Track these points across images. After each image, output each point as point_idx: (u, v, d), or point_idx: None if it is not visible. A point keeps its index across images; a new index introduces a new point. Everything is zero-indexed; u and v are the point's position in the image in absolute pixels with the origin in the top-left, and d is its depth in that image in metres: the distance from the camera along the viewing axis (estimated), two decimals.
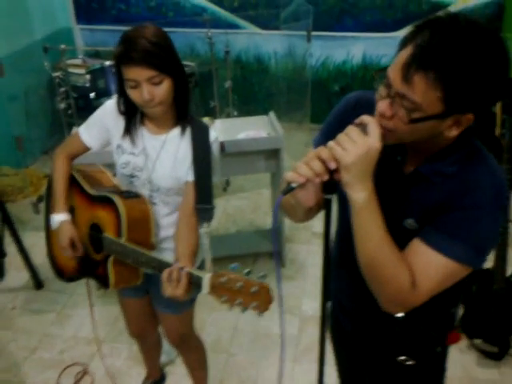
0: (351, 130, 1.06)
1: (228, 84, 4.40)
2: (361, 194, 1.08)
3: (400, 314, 1.25)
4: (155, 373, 2.52)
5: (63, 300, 3.15)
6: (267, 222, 3.81)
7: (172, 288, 1.52)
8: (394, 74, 1.02)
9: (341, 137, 1.06)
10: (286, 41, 5.06)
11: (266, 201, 4.02)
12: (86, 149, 1.87)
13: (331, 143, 1.07)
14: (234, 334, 2.88)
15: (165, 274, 1.53)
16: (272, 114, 3.29)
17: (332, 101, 5.25)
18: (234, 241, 3.61)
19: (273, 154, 3.10)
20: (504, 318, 2.59)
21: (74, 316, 3.02)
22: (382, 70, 1.07)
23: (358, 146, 1.04)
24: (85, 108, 4.12)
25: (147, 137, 1.73)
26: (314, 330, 2.86)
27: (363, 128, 1.06)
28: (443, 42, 0.96)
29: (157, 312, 2.05)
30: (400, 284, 1.11)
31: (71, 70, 4.26)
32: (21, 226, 3.58)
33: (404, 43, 1.02)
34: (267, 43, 5.15)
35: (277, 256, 1.25)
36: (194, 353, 2.23)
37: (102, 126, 1.80)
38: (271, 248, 3.40)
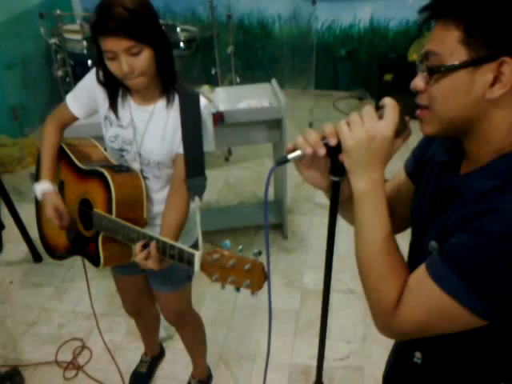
0: (366, 111, 0.94)
1: (230, 49, 4.26)
2: (360, 183, 0.97)
3: (418, 358, 1.13)
4: (154, 348, 2.49)
5: (62, 273, 3.12)
6: (270, 193, 3.74)
7: (143, 258, 1.49)
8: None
9: (353, 115, 0.95)
10: (291, 4, 4.89)
11: (268, 170, 3.93)
12: (74, 118, 1.79)
13: (343, 120, 0.96)
14: (234, 308, 2.84)
15: (139, 244, 1.49)
16: (274, 82, 3.17)
17: (338, 66, 5.10)
18: (235, 213, 3.54)
19: (275, 124, 2.99)
20: None
21: (73, 290, 3.00)
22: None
23: (364, 129, 0.93)
24: (82, 76, 3.99)
25: (135, 108, 1.65)
26: (315, 304, 2.82)
27: (381, 112, 0.95)
28: None
29: (153, 289, 1.99)
30: (384, 297, 0.96)
31: (68, 36, 4.15)
32: (19, 197, 3.54)
33: None
34: (271, 6, 4.97)
35: (266, 231, 1.14)
36: (191, 330, 2.19)
37: (88, 94, 1.70)
38: (274, 220, 3.33)
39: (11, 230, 3.15)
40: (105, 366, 2.52)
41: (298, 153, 0.99)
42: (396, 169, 1.23)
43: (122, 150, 1.70)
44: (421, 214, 1.07)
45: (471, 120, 0.89)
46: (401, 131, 0.96)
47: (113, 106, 1.65)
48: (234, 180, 4.00)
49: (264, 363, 2.55)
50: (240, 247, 1.25)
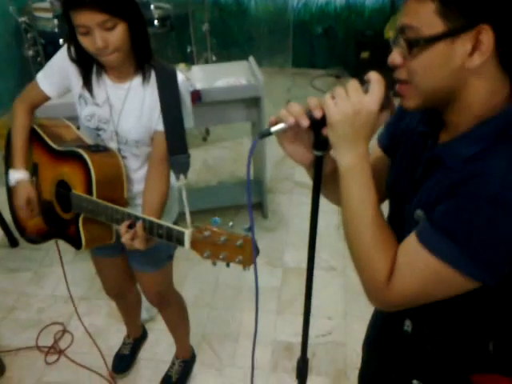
0: (351, 85, 0.93)
1: (205, 27, 4.19)
2: (345, 158, 0.96)
3: (407, 326, 1.13)
4: (136, 331, 2.47)
5: (39, 257, 3.07)
6: (250, 172, 3.72)
7: (129, 238, 1.47)
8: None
9: (338, 88, 0.93)
10: None
11: (247, 150, 3.90)
12: (46, 98, 1.73)
13: (328, 95, 0.94)
14: (216, 287, 2.84)
15: (125, 225, 1.47)
16: (252, 60, 3.13)
17: (314, 44, 5.06)
18: (214, 193, 3.52)
19: (253, 103, 2.96)
20: None
21: (51, 274, 2.95)
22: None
23: (349, 103, 0.91)
24: (54, 55, 3.90)
25: (110, 85, 1.60)
26: (296, 282, 2.83)
27: (366, 86, 0.93)
28: None
29: (133, 270, 1.97)
30: (375, 270, 0.95)
31: (39, 14, 4.02)
32: None
33: None
34: None
35: (250, 209, 1.11)
36: (173, 310, 2.17)
37: (61, 72, 1.65)
38: (254, 199, 3.31)
39: None
40: (87, 350, 2.50)
41: (281, 125, 0.97)
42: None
43: (98, 129, 1.65)
44: (400, 185, 1.08)
45: (452, 90, 0.89)
46: (385, 106, 0.95)
47: (87, 84, 1.61)
48: (213, 160, 3.97)
49: (247, 342, 2.57)
50: (231, 223, 1.24)
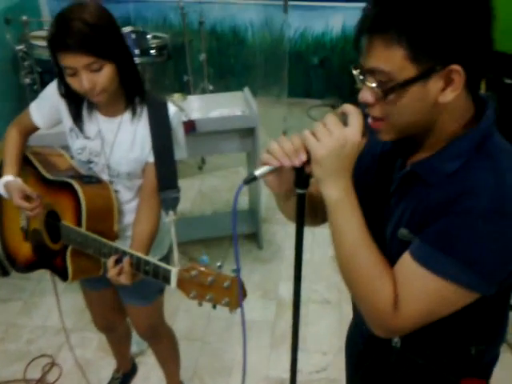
0: (329, 119, 0.94)
1: (202, 57, 4.22)
2: (333, 191, 0.96)
3: (396, 342, 1.12)
4: (126, 364, 2.42)
5: (31, 288, 3.02)
6: (244, 202, 3.69)
7: (115, 273, 1.45)
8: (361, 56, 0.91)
9: (317, 125, 0.95)
10: (263, 11, 4.87)
11: (243, 179, 3.90)
12: (37, 128, 1.73)
13: (306, 132, 0.95)
14: (208, 320, 2.79)
15: (112, 259, 1.45)
16: (247, 90, 3.14)
17: (311, 74, 5.10)
18: (209, 222, 3.49)
19: (248, 133, 2.96)
20: None
21: (42, 304, 2.90)
22: (359, 62, 0.95)
23: (333, 137, 0.92)
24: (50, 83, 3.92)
25: (102, 120, 1.60)
26: (290, 316, 2.77)
27: (344, 118, 0.95)
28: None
29: (124, 303, 1.94)
30: (379, 301, 0.95)
31: (36, 42, 4.03)
32: None
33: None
34: (243, 13, 4.95)
35: (236, 249, 1.10)
36: (164, 344, 2.13)
37: (52, 105, 1.65)
38: (248, 229, 3.30)
39: None
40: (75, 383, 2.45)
41: (265, 168, 0.98)
42: None
43: (89, 161, 1.64)
44: (367, 205, 1.06)
45: (426, 122, 0.93)
46: (364, 134, 0.97)
47: (77, 119, 1.60)
48: (208, 189, 3.96)
49: (240, 377, 2.50)
50: (218, 264, 1.22)
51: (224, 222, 3.44)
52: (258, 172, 0.98)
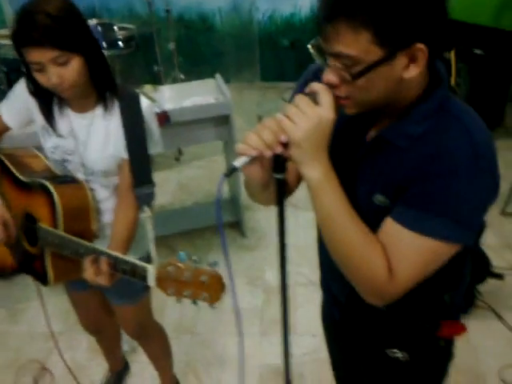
0: (300, 100, 0.94)
1: (172, 46, 4.16)
2: (315, 172, 0.96)
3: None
4: (118, 364, 2.40)
5: (15, 294, 2.95)
6: (224, 191, 3.67)
7: (92, 274, 1.41)
8: (321, 38, 0.92)
9: (289, 108, 0.94)
10: None
11: (222, 168, 3.86)
12: (8, 128, 1.68)
13: (279, 115, 0.95)
14: (197, 312, 2.77)
15: (88, 260, 1.41)
16: (219, 77, 3.10)
17: (282, 56, 5.07)
18: (190, 214, 3.47)
19: (223, 121, 2.93)
20: None
21: (28, 310, 2.85)
22: (317, 40, 0.95)
23: (308, 118, 0.92)
24: (17, 82, 3.82)
25: (73, 116, 1.56)
26: (278, 301, 2.78)
27: (313, 97, 0.94)
28: None
29: (110, 303, 1.91)
30: (374, 271, 0.98)
31: (0, 41, 3.93)
32: None
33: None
34: None
35: (223, 239, 1.08)
36: (154, 342, 2.11)
37: (22, 104, 1.60)
38: (229, 218, 3.28)
39: None
40: None
41: (244, 159, 0.97)
42: None
43: (64, 160, 1.60)
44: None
45: (391, 95, 0.96)
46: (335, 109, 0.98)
47: (48, 117, 1.56)
48: (187, 180, 3.92)
49: (233, 367, 2.51)
50: (194, 257, 1.19)
51: (206, 213, 3.42)
52: (237, 163, 0.96)
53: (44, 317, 2.05)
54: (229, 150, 3.16)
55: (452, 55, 2.81)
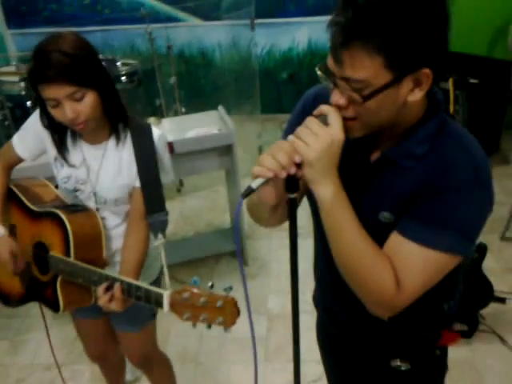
0: (311, 122, 0.98)
1: (173, 80, 4.25)
2: (327, 190, 1.00)
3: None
4: None
5: (16, 325, 2.96)
6: (226, 220, 3.70)
7: (106, 301, 1.43)
8: (330, 61, 0.95)
9: (301, 130, 0.98)
10: (229, 31, 4.93)
11: (223, 199, 3.90)
12: (21, 160, 1.72)
13: (291, 137, 0.99)
14: (200, 342, 2.77)
15: (102, 287, 1.44)
16: (221, 108, 3.17)
17: (281, 89, 5.18)
18: (193, 244, 3.48)
19: (225, 151, 2.98)
20: (470, 296, 2.58)
21: (29, 341, 2.84)
22: (323, 63, 1.00)
23: (320, 139, 0.96)
24: (22, 118, 3.86)
25: (86, 147, 1.60)
26: (283, 328, 2.78)
27: (323, 119, 0.99)
28: (358, 12, 0.88)
29: (116, 331, 1.91)
30: (383, 284, 1.02)
31: (4, 78, 4.02)
32: None
33: (329, 28, 0.95)
34: (210, 35, 5.01)
35: (240, 259, 1.11)
36: (159, 371, 2.10)
37: (35, 136, 1.64)
38: (233, 247, 3.29)
39: None
40: None
41: (260, 180, 1.00)
42: None
43: (75, 190, 1.64)
44: None
45: (394, 117, 1.00)
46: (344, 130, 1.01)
47: (61, 149, 1.60)
48: (189, 211, 3.95)
49: None
50: (210, 283, 1.22)
51: (207, 242, 3.44)
52: (254, 184, 0.99)
53: (48, 347, 2.04)
54: (231, 179, 3.20)
55: (450, 83, 2.88)
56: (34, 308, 2.95)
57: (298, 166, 1.00)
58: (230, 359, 2.64)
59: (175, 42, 4.69)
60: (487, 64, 4.01)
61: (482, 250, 2.58)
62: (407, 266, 1.01)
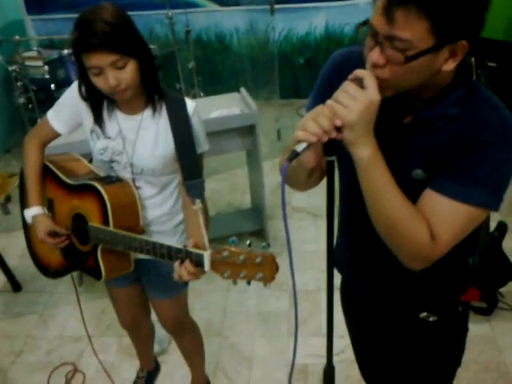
0: (348, 86, 1.02)
1: (191, 65, 4.30)
2: (367, 150, 1.05)
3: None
4: (149, 363, 2.45)
5: (44, 300, 3.04)
6: (245, 201, 3.76)
7: (186, 274, 1.43)
8: (376, 19, 0.99)
9: (339, 94, 1.02)
10: (247, 16, 4.96)
11: (242, 180, 3.96)
12: (57, 134, 1.77)
13: (330, 102, 1.03)
14: (224, 316, 2.84)
15: (177, 263, 1.45)
16: (243, 90, 3.21)
17: (298, 74, 5.20)
18: (214, 224, 3.52)
19: (248, 131, 3.03)
20: (490, 274, 2.62)
21: (57, 315, 2.93)
22: (364, 22, 1.05)
23: (358, 101, 1.00)
24: (46, 101, 3.95)
25: (122, 118, 1.65)
26: (304, 304, 2.84)
27: (359, 82, 1.02)
28: None
29: (150, 299, 1.99)
30: (419, 238, 1.08)
31: (28, 62, 4.08)
32: None
33: None
34: (228, 20, 5.03)
35: (287, 228, 1.15)
36: (190, 337, 2.18)
37: (71, 109, 1.70)
38: (252, 227, 3.36)
39: None
40: None
41: (304, 145, 1.03)
42: None
43: (111, 161, 1.69)
44: None
45: (426, 83, 1.05)
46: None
47: (98, 119, 1.65)
48: (209, 192, 3.95)
49: (261, 367, 2.55)
50: (248, 242, 1.28)
51: (227, 222, 3.51)
52: (299, 148, 1.03)
53: (76, 321, 2.14)
54: (252, 160, 3.25)
55: (472, 61, 2.90)
56: (61, 284, 3.07)
57: (338, 129, 1.03)
58: (254, 333, 2.71)
59: (193, 28, 4.73)
60: (505, 48, 4.01)
61: (503, 228, 2.62)
62: (441, 219, 1.08)
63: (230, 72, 5.25)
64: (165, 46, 4.48)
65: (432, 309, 1.35)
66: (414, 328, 1.40)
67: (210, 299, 2.92)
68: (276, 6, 4.38)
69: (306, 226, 3.51)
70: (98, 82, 1.49)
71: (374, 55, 1.01)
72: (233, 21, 5.02)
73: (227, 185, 4.07)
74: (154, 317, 2.18)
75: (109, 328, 2.79)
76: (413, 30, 0.94)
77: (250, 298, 2.96)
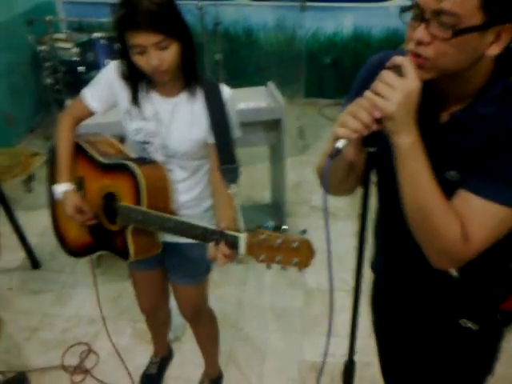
0: (386, 75, 1.00)
1: (218, 57, 4.31)
2: (407, 139, 1.02)
3: (455, 273, 1.22)
4: (163, 349, 2.47)
5: (62, 279, 3.07)
6: (265, 196, 3.76)
7: (222, 258, 1.43)
8: None
9: (377, 85, 1.00)
10: (276, 12, 4.96)
11: (262, 175, 3.96)
12: (91, 113, 1.78)
13: (368, 93, 1.01)
14: (239, 309, 2.85)
15: (212, 248, 1.45)
16: (271, 84, 3.21)
17: (323, 74, 5.18)
18: None
19: (273, 126, 3.04)
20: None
21: (75, 295, 2.96)
22: (407, 7, 1.02)
23: (397, 91, 0.98)
24: (73, 83, 4.00)
25: (158, 100, 1.66)
26: (318, 303, 2.85)
27: (397, 70, 1.00)
28: None
29: (172, 283, 2.00)
30: (451, 235, 1.06)
31: (59, 44, 4.12)
32: (12, 206, 3.48)
33: None
34: (257, 15, 5.03)
35: (326, 200, 1.14)
36: (207, 326, 2.19)
37: (108, 88, 1.71)
38: (273, 223, 3.35)
39: (5, 238, 3.11)
40: (113, 370, 2.50)
41: (344, 140, 1.02)
42: None
43: (145, 142, 1.70)
44: None
45: (466, 70, 1.02)
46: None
47: (136, 99, 1.66)
48: None
49: (274, 362, 2.56)
50: (285, 227, 1.27)
51: (246, 216, 3.49)
52: (340, 144, 1.02)
53: (92, 302, 2.13)
54: (275, 156, 3.26)
55: None
56: (79, 265, 3.10)
57: (378, 121, 1.01)
58: (269, 327, 2.72)
59: (222, 20, 4.74)
60: None
61: None
62: (473, 219, 1.06)
63: (256, 67, 5.24)
64: (193, 36, 4.49)
65: (471, 315, 1.33)
66: (450, 334, 1.37)
67: (226, 291, 2.93)
68: (307, 4, 4.38)
69: (323, 226, 3.50)
70: (140, 61, 1.50)
71: (419, 32, 0.98)
72: (262, 16, 5.02)
73: (247, 179, 4.06)
74: (170, 304, 2.21)
75: (123, 312, 2.81)
76: (462, 5, 0.92)
77: (265, 292, 2.97)
